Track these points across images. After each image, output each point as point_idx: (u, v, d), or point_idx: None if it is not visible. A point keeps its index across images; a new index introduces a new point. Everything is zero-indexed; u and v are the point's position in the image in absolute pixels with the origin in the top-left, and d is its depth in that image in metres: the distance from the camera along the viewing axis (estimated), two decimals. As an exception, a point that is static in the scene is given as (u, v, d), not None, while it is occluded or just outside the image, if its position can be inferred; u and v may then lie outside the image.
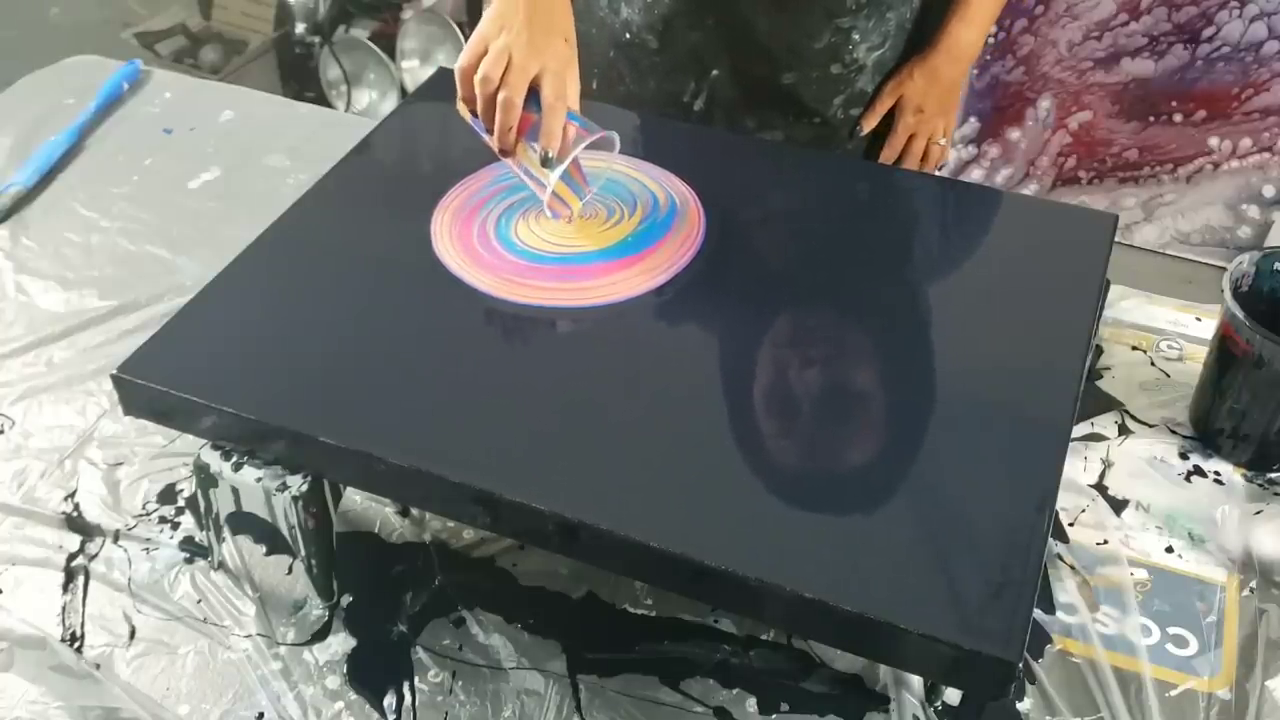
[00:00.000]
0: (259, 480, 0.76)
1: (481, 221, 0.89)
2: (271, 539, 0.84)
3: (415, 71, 2.48)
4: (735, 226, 0.89)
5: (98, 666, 0.79)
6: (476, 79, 0.81)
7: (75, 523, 0.88)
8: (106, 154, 1.27)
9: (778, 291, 0.84)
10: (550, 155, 0.81)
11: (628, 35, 1.06)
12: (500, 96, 0.81)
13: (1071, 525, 0.88)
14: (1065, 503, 0.89)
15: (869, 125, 1.09)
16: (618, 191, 0.92)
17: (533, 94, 0.82)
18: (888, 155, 1.11)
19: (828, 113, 1.06)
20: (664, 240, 0.87)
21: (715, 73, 1.05)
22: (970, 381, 0.77)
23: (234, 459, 0.77)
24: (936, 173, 1.15)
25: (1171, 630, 0.81)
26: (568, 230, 0.88)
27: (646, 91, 1.09)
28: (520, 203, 0.91)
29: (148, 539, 0.87)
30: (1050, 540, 0.80)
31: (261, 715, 0.76)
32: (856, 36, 1.02)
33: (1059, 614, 0.82)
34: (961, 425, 0.73)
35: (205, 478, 0.78)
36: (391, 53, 2.48)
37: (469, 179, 0.93)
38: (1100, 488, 0.91)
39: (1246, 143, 2.16)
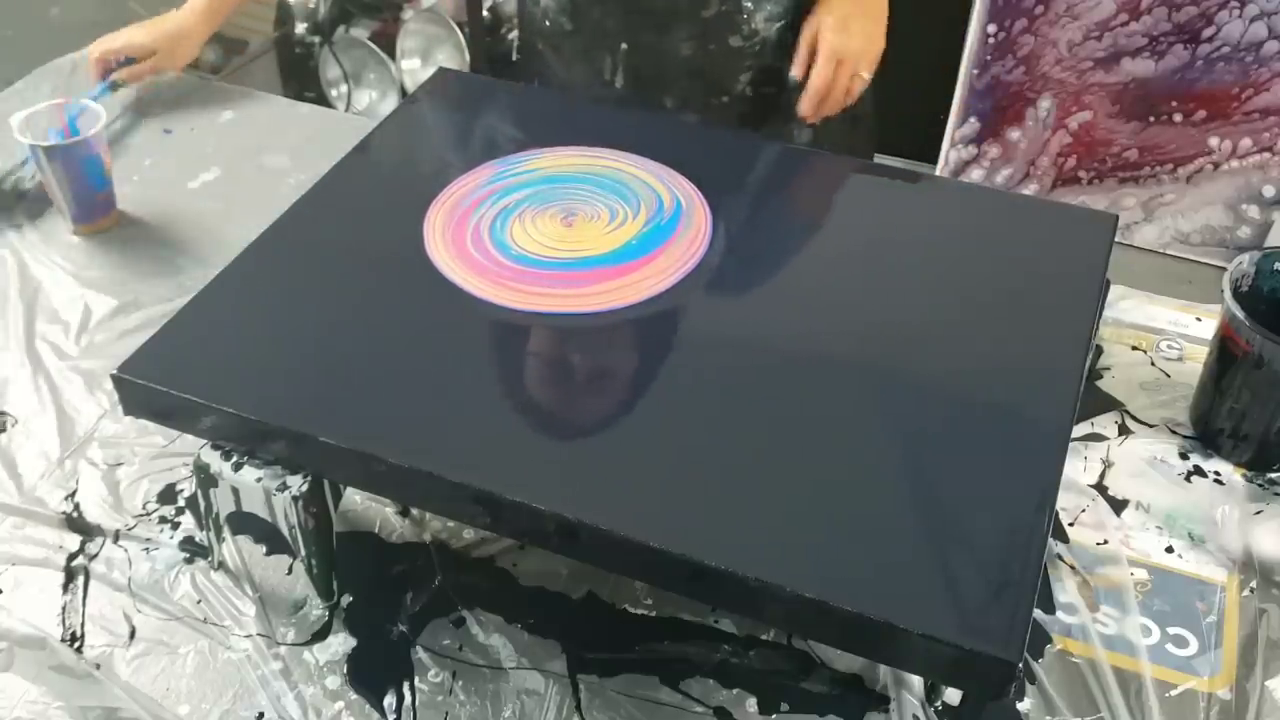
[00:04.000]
0: (259, 480, 0.76)
1: (475, 224, 0.89)
2: (271, 539, 0.84)
3: (415, 71, 2.48)
4: (741, 227, 0.89)
5: (98, 666, 0.79)
6: None
7: (75, 523, 0.88)
8: (106, 154, 1.26)
9: (780, 293, 0.84)
10: None
11: (547, 22, 1.10)
12: None
13: (1071, 525, 0.88)
14: (1065, 503, 0.89)
15: (799, 71, 1.04)
16: (620, 192, 0.92)
17: None
18: (814, 89, 1.03)
19: (735, 90, 1.06)
20: (669, 243, 0.87)
21: (624, 46, 1.06)
22: (970, 381, 0.77)
23: (234, 459, 0.77)
24: (938, 173, 1.15)
25: (1171, 630, 0.81)
26: (569, 234, 0.88)
27: (575, 75, 1.12)
28: (514, 205, 0.90)
29: (148, 539, 0.87)
30: (1050, 540, 0.80)
31: (261, 715, 0.76)
32: (749, 4, 1.01)
33: (1059, 614, 0.82)
34: (961, 425, 0.73)
35: (205, 478, 0.78)
36: (391, 53, 2.48)
37: (461, 180, 0.93)
38: (1100, 488, 0.91)
39: (1246, 143, 2.16)
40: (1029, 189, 2.32)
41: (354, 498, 0.89)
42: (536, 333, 0.80)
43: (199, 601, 0.83)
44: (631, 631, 0.81)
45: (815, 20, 1.04)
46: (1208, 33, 2.08)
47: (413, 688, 0.78)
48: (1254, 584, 0.84)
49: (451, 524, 0.87)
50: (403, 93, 2.47)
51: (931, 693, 0.77)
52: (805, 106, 1.05)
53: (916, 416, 0.74)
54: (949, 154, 2.31)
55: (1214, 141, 2.18)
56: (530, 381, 0.78)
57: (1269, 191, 2.19)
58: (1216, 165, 2.19)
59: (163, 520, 0.88)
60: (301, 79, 2.57)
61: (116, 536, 0.87)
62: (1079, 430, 0.95)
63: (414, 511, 0.88)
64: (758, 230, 0.90)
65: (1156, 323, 1.06)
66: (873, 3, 1.05)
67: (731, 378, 0.78)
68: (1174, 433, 0.96)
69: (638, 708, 0.77)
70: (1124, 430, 0.96)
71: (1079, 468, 0.92)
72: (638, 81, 1.08)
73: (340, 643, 0.80)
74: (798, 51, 1.05)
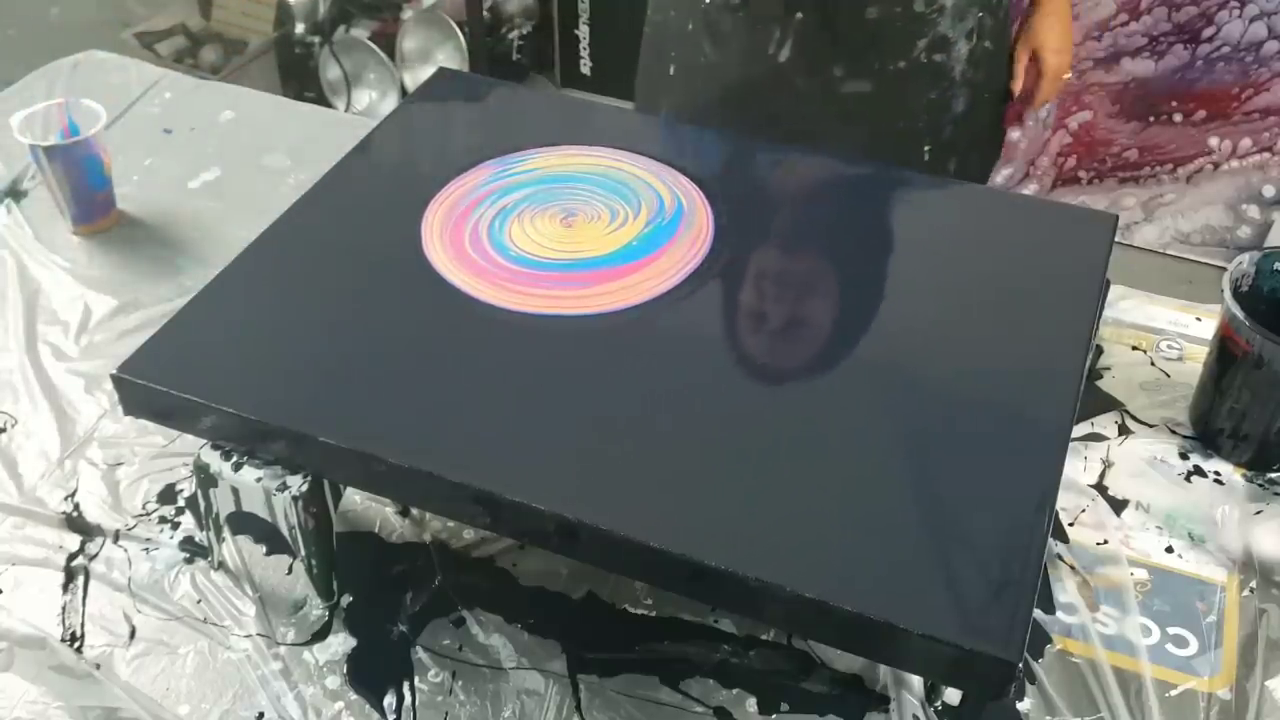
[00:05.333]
0: (259, 480, 0.76)
1: (474, 225, 0.89)
2: (271, 539, 0.84)
3: (415, 71, 2.49)
4: (744, 228, 0.89)
5: (98, 666, 0.79)
6: None
7: (75, 523, 0.88)
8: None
9: (781, 294, 0.84)
10: None
11: (706, 1, 1.12)
12: None
13: (1071, 525, 0.88)
14: (1065, 503, 0.89)
15: (1018, 87, 1.20)
16: (621, 192, 0.92)
17: None
18: (1037, 105, 1.24)
19: (912, 54, 1.10)
20: (671, 244, 0.87)
21: (799, 15, 1.08)
22: (970, 381, 0.77)
23: (234, 459, 0.77)
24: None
25: (1171, 630, 0.81)
26: (569, 234, 0.88)
27: (730, 54, 1.13)
28: (513, 205, 0.90)
29: (148, 539, 0.87)
30: (1050, 540, 0.80)
31: (261, 715, 0.76)
32: None
33: (1059, 614, 0.82)
34: (961, 425, 0.73)
35: (205, 478, 0.78)
36: (391, 53, 2.48)
37: (459, 179, 0.93)
38: (1100, 488, 0.91)
39: (1246, 143, 2.16)
40: (1029, 189, 2.32)
41: (354, 498, 0.89)
42: (537, 334, 0.80)
43: (199, 601, 0.83)
44: (631, 631, 0.81)
45: (1037, 38, 1.17)
46: (1208, 33, 2.08)
47: (413, 688, 0.78)
48: (1254, 584, 0.84)
49: (451, 524, 0.88)
50: (403, 93, 2.48)
51: (931, 693, 0.77)
52: (1013, 118, 1.20)
53: (916, 416, 0.74)
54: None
55: (1214, 141, 2.18)
56: (531, 382, 0.77)
57: (1269, 191, 2.19)
58: (1216, 165, 2.19)
59: (163, 520, 0.88)
60: (301, 79, 2.57)
61: (116, 536, 0.87)
62: (1079, 430, 0.95)
63: (414, 511, 0.88)
64: (759, 230, 0.90)
65: (1156, 323, 1.06)
66: (1068, 11, 1.18)
67: (732, 378, 0.78)
68: (1174, 433, 0.96)
69: (638, 708, 0.77)
70: (1124, 430, 0.96)
71: (1079, 468, 0.92)
72: (805, 52, 1.10)
73: (340, 643, 0.80)
74: (1017, 66, 1.18)
